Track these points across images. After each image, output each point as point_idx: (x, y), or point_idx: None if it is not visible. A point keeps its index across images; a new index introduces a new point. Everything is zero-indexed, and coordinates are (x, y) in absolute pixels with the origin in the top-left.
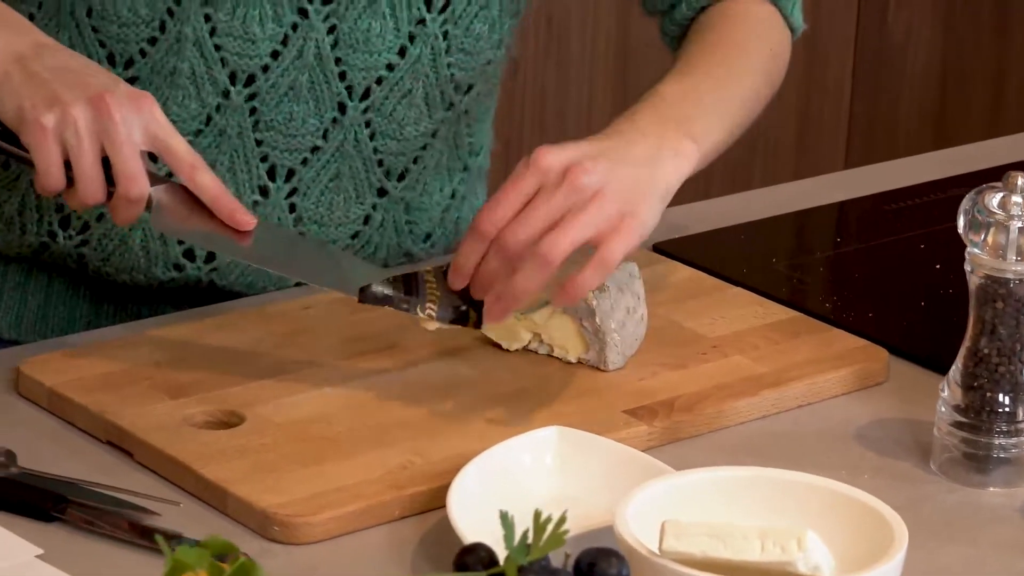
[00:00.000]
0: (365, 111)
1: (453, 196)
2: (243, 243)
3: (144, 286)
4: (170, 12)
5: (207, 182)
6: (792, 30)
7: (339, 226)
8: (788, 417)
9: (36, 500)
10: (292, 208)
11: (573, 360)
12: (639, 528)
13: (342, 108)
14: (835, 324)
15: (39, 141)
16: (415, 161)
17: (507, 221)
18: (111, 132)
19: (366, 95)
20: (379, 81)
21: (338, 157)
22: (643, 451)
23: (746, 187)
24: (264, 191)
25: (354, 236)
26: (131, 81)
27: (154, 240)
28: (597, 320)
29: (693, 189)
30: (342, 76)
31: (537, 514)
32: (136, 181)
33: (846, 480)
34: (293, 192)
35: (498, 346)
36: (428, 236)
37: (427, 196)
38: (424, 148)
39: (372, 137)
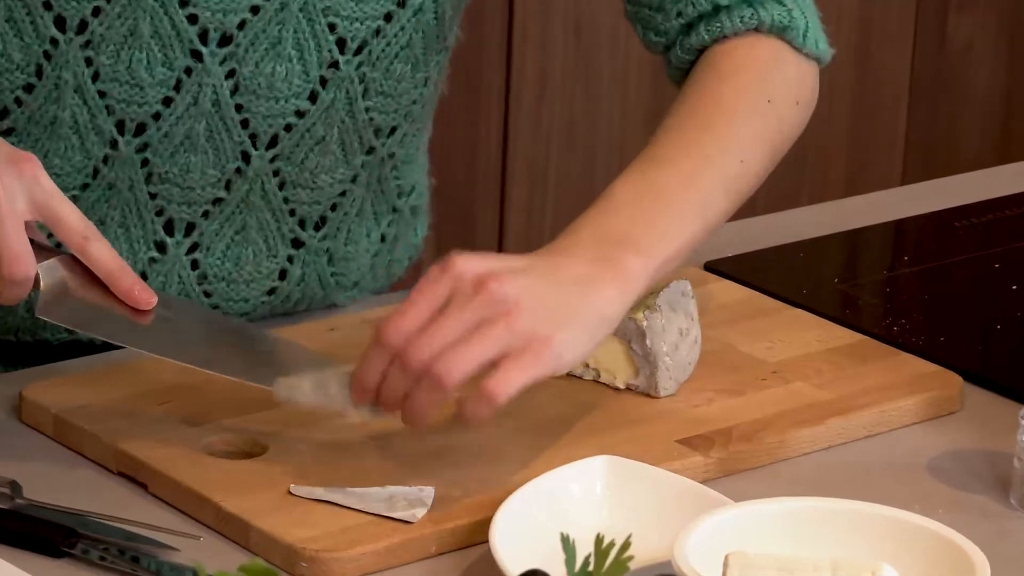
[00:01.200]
0: (272, 160)
1: (383, 240)
2: (142, 321)
3: (32, 344)
4: (47, 56)
5: (102, 255)
6: (816, 59)
7: (250, 283)
8: (855, 447)
9: (45, 533)
10: (195, 265)
11: (621, 386)
12: (698, 562)
13: (246, 157)
14: (904, 348)
15: None
16: (333, 208)
17: (414, 332)
18: None
19: (273, 143)
20: (288, 128)
21: (243, 208)
22: (699, 483)
23: (793, 205)
24: (161, 247)
25: (270, 293)
26: (7, 133)
27: None
28: (648, 342)
29: None
30: (244, 124)
31: (599, 539)
32: (20, 262)
33: (919, 515)
34: (194, 248)
35: None
36: (356, 284)
37: (353, 244)
38: (343, 195)
39: (281, 187)
